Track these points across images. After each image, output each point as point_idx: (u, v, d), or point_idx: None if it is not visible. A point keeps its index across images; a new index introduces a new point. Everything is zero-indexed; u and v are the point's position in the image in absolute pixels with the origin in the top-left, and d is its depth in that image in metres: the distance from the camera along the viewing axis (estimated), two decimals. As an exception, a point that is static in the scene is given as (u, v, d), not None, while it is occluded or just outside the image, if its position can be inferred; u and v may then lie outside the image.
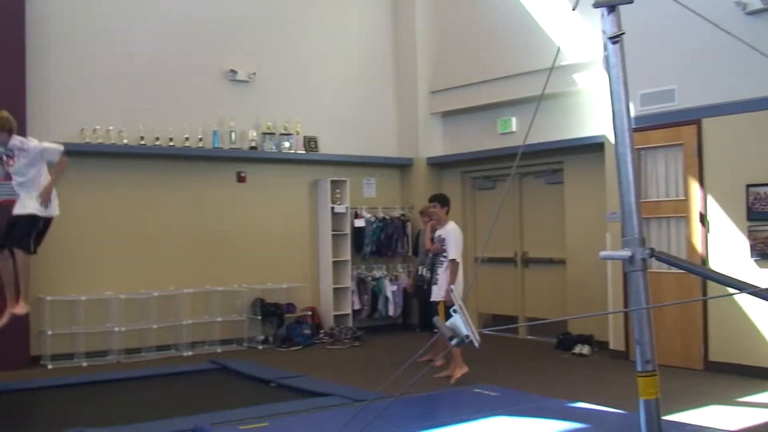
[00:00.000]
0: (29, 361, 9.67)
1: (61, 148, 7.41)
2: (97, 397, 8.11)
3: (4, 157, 7.30)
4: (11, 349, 9.44)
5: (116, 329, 10.14)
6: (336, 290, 12.09)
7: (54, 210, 7.42)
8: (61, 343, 9.84)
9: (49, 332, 9.65)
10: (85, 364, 9.83)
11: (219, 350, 10.75)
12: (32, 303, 9.57)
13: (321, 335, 11.62)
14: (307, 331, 11.43)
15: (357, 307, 12.22)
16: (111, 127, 10.38)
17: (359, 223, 12.33)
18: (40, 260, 9.55)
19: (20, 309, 7.55)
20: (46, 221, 7.40)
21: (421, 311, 9.79)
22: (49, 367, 9.63)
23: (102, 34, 10.55)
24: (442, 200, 9.03)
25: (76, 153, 10.09)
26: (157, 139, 10.72)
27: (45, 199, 7.23)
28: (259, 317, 11.26)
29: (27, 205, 7.28)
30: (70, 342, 9.94)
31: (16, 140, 7.24)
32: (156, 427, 6.51)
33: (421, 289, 9.49)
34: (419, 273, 9.59)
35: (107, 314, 10.20)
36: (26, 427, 6.69)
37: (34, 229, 7.29)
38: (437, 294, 8.68)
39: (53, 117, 10.07)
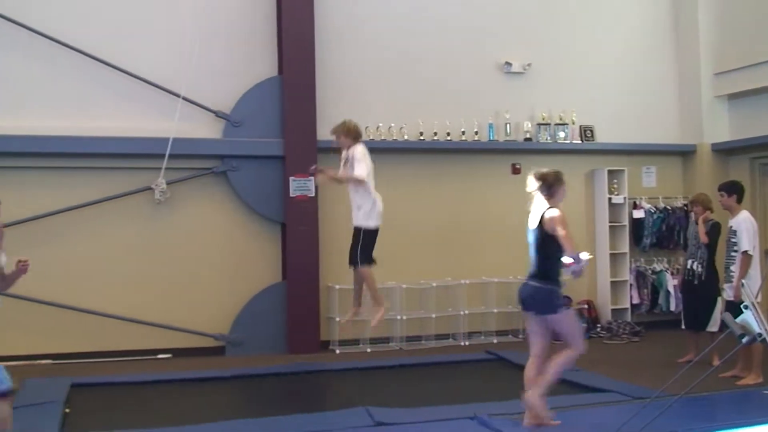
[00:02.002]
0: (320, 345, 10.35)
1: (361, 175, 7.68)
2: (379, 381, 8.55)
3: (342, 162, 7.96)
4: (304, 335, 10.19)
5: (398, 317, 10.59)
6: (613, 283, 11.79)
7: (370, 222, 7.81)
8: (348, 329, 10.44)
9: (338, 319, 10.25)
10: (369, 350, 10.36)
11: (495, 341, 10.89)
12: (322, 291, 10.33)
13: (598, 329, 11.41)
14: (583, 325, 11.26)
15: (636, 301, 11.84)
16: (392, 124, 10.86)
17: (638, 214, 11.92)
18: (329, 250, 10.29)
19: (377, 314, 8.11)
20: (366, 232, 7.84)
21: (688, 308, 9.25)
22: (337, 351, 10.25)
23: (384, 34, 11.07)
24: (729, 188, 8.47)
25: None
26: (435, 134, 11.05)
27: (333, 176, 7.92)
28: (535, 309, 11.23)
29: (354, 217, 7.92)
30: (357, 329, 10.51)
31: (355, 149, 7.81)
32: (436, 412, 6.74)
33: (690, 284, 9.02)
34: (689, 267, 9.09)
35: (390, 303, 10.65)
36: (315, 408, 7.19)
37: (358, 242, 7.84)
38: (729, 291, 8.18)
39: (340, 116, 10.65)
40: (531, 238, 6.21)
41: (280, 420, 6.62)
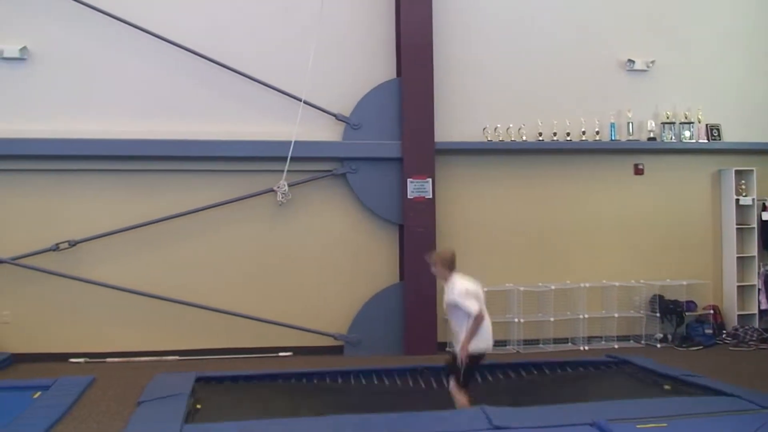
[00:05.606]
0: (437, 347, 10.37)
1: (473, 311, 6.93)
2: (496, 382, 8.52)
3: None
4: (421, 336, 10.26)
5: (515, 320, 10.51)
6: (741, 288, 11.38)
7: (473, 346, 6.91)
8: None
9: (455, 320, 10.26)
10: (485, 352, 10.31)
11: (615, 346, 10.65)
12: (439, 292, 10.34)
13: (723, 335, 11.04)
14: (709, 331, 10.91)
15: (764, 306, 11.39)
16: (511, 125, 10.79)
17: (768, 216, 11.49)
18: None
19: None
20: (470, 356, 6.94)
21: None
22: (453, 352, 10.25)
23: (500, 35, 11.00)
24: None
25: (478, 151, 10.75)
26: (555, 134, 10.92)
27: (462, 356, 6.90)
28: (657, 314, 10.94)
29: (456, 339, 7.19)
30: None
31: (453, 284, 7.07)
32: (554, 415, 6.67)
33: None
34: None
35: (507, 305, 10.61)
36: (428, 404, 7.23)
37: (456, 367, 7.02)
38: None
39: (457, 118, 10.73)
40: None
41: (397, 417, 6.75)
